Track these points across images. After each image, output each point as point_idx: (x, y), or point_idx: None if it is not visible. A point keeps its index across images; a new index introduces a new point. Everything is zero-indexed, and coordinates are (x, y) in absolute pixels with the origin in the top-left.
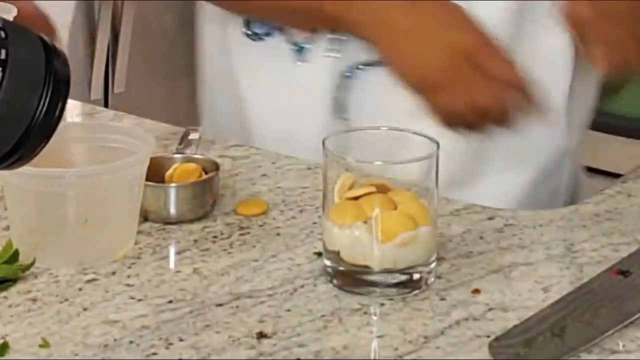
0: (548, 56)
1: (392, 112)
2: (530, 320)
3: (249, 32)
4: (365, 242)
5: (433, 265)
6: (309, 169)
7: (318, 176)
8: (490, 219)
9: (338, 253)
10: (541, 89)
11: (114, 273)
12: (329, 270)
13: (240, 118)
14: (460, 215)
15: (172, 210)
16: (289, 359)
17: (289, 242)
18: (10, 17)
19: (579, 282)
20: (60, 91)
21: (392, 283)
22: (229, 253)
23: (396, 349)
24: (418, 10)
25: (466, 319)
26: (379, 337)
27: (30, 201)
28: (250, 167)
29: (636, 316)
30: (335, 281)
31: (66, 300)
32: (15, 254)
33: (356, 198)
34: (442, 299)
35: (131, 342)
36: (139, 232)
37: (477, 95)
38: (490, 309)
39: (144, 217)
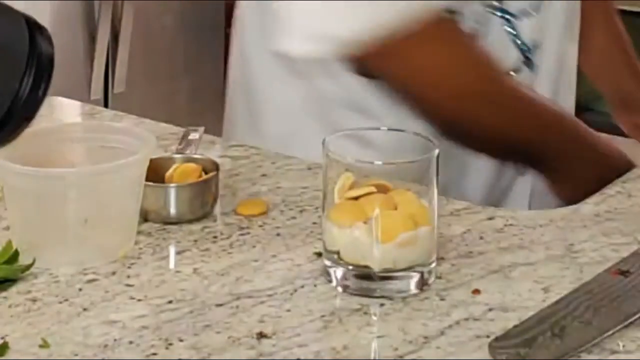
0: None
1: None
2: (530, 321)
3: None
4: (365, 242)
5: (433, 265)
6: (309, 169)
7: (318, 176)
8: (490, 219)
9: (338, 253)
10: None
11: (114, 273)
12: (329, 270)
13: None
14: (460, 216)
15: (172, 210)
16: (289, 359)
17: (289, 242)
18: None
19: (579, 282)
20: (44, 69)
21: (392, 283)
22: (229, 253)
23: (396, 349)
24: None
25: (466, 319)
26: (379, 337)
27: (30, 201)
28: (250, 167)
29: (636, 316)
30: (335, 281)
31: (66, 300)
32: (15, 254)
33: (356, 198)
34: (442, 299)
35: (131, 342)
36: (139, 232)
37: None
38: (490, 309)
39: (144, 217)
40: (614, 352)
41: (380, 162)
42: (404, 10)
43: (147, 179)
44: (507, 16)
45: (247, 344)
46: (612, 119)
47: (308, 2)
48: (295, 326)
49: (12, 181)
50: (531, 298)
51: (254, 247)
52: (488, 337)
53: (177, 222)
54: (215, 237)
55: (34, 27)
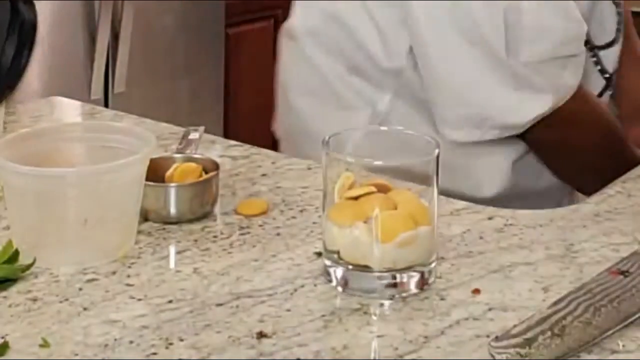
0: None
1: None
2: (530, 320)
3: None
4: (365, 241)
5: (433, 265)
6: (309, 168)
7: (318, 176)
8: (490, 218)
9: (338, 253)
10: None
11: (114, 273)
12: (329, 270)
13: None
14: (460, 215)
15: (172, 210)
16: (289, 359)
17: (289, 242)
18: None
19: (578, 281)
20: (27, 36)
21: (392, 283)
22: (229, 253)
23: (396, 348)
24: None
25: (466, 319)
26: (379, 336)
27: (31, 201)
28: (251, 167)
29: (636, 316)
30: (335, 281)
31: (66, 300)
32: (16, 253)
33: (356, 198)
34: (442, 299)
35: (131, 341)
36: (139, 231)
37: None
38: (490, 309)
39: (144, 217)
40: (614, 351)
41: (380, 162)
42: (571, 80)
43: (147, 179)
44: (595, 48)
45: (247, 343)
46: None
47: (491, 95)
48: (295, 326)
49: (13, 181)
50: (531, 298)
51: (254, 246)
52: (488, 336)
53: (177, 221)
54: (215, 236)
55: None
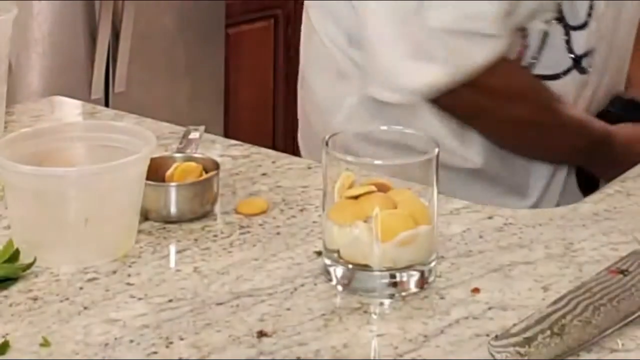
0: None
1: None
2: (530, 319)
3: None
4: (365, 241)
5: (433, 264)
6: (309, 168)
7: (318, 175)
8: (489, 218)
9: (338, 252)
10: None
11: (114, 272)
12: (329, 269)
13: None
14: (460, 215)
15: (173, 209)
16: (289, 358)
17: (289, 241)
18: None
19: (578, 281)
20: None
21: (392, 282)
22: (229, 252)
23: (396, 347)
24: None
25: (466, 318)
26: (379, 335)
27: (31, 201)
28: (251, 166)
29: (635, 315)
30: (335, 280)
31: (67, 299)
32: (16, 253)
33: (356, 197)
34: (442, 298)
35: (132, 340)
36: (140, 231)
37: None
38: (489, 308)
39: (145, 216)
40: (613, 350)
41: (380, 162)
42: (477, 58)
43: (147, 178)
44: (567, 27)
45: (247, 342)
46: None
47: (391, 59)
48: (295, 325)
49: (13, 180)
50: (530, 297)
51: (254, 246)
52: (487, 335)
53: (178, 221)
54: (215, 236)
55: None
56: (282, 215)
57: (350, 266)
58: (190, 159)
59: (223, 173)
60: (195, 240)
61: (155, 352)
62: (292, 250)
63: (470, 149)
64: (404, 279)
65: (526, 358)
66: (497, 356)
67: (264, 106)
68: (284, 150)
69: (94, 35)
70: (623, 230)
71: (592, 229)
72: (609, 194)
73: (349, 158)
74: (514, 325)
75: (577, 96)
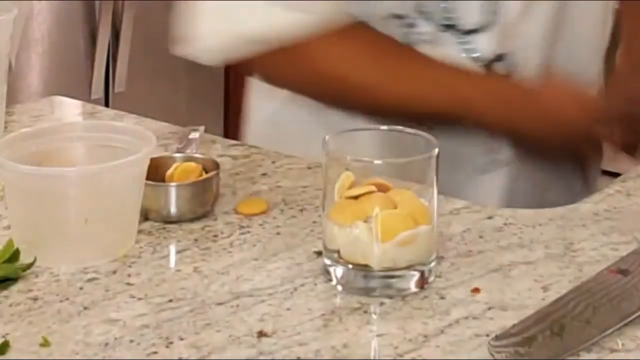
0: (585, 38)
1: None
2: (530, 319)
3: None
4: (365, 241)
5: (433, 264)
6: (309, 168)
7: (318, 175)
8: (489, 218)
9: (338, 252)
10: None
11: (114, 272)
12: (329, 269)
13: None
14: (459, 214)
15: (173, 209)
16: (289, 358)
17: (289, 241)
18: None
19: (578, 281)
20: None
21: (392, 282)
22: (229, 252)
23: (396, 347)
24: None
25: (466, 318)
26: (378, 335)
27: (31, 201)
28: (251, 166)
29: (635, 315)
30: (335, 280)
31: (67, 299)
32: (16, 253)
33: (356, 197)
34: (442, 298)
35: (132, 340)
36: (140, 231)
37: None
38: (489, 308)
39: (145, 216)
40: (613, 350)
41: (380, 162)
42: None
43: (147, 178)
44: (458, 33)
45: (247, 342)
46: None
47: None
48: (295, 325)
49: (13, 180)
50: (530, 297)
51: (254, 246)
52: (487, 335)
53: (178, 221)
54: (215, 236)
55: None
56: (282, 215)
57: (350, 266)
58: (190, 159)
59: (223, 173)
60: (195, 240)
61: (155, 352)
62: (292, 250)
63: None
64: (404, 279)
65: (526, 358)
66: (497, 356)
67: None
68: None
69: (94, 35)
70: (623, 230)
71: (592, 229)
72: (609, 194)
73: (349, 158)
74: (514, 325)
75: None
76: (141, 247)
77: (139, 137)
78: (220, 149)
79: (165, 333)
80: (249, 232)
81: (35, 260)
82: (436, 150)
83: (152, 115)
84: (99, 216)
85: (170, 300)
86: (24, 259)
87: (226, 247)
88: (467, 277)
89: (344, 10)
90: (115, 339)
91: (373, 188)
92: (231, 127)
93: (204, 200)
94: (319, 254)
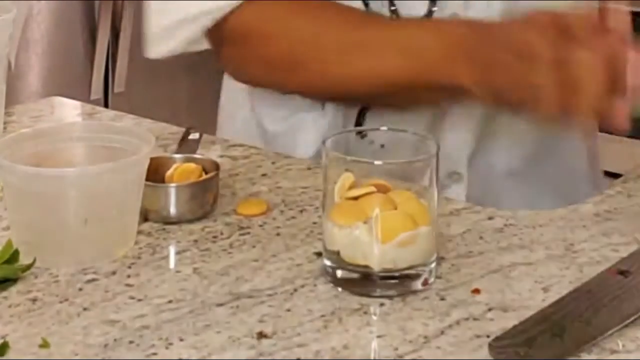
0: None
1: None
2: (530, 320)
3: None
4: (365, 242)
5: (433, 265)
6: (309, 169)
7: (318, 176)
8: (490, 218)
9: (338, 253)
10: None
11: (114, 273)
12: (329, 270)
13: None
14: (460, 215)
15: (172, 210)
16: (289, 359)
17: (289, 242)
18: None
19: (578, 282)
20: None
21: (392, 283)
22: (229, 253)
23: (396, 348)
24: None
25: (466, 319)
26: (379, 337)
27: (30, 201)
28: (250, 167)
29: (636, 316)
30: (335, 281)
31: (66, 300)
32: (16, 253)
33: (356, 198)
34: (442, 299)
35: (131, 342)
36: (139, 232)
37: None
38: (490, 309)
39: (144, 217)
40: (613, 351)
41: (380, 162)
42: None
43: (147, 179)
44: None
45: (247, 343)
46: None
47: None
48: (295, 326)
49: (13, 181)
50: (531, 298)
51: (254, 247)
52: (488, 336)
53: (177, 222)
54: (215, 237)
55: None
56: (282, 216)
57: (350, 267)
58: (189, 159)
59: (223, 174)
60: (195, 241)
61: (154, 353)
62: (292, 251)
63: None
64: (404, 280)
65: (526, 359)
66: (498, 357)
67: None
68: None
69: (94, 35)
70: (624, 231)
71: (592, 229)
72: (609, 195)
73: (349, 158)
74: (514, 326)
75: None
76: (141, 248)
77: (139, 137)
78: (220, 149)
79: (165, 334)
80: (248, 233)
81: (34, 261)
82: (436, 150)
83: (152, 116)
84: (98, 217)
85: (170, 301)
86: (24, 260)
87: (226, 248)
88: (468, 278)
89: None
90: (115, 340)
91: (373, 189)
92: None
93: (203, 201)
94: (319, 254)
